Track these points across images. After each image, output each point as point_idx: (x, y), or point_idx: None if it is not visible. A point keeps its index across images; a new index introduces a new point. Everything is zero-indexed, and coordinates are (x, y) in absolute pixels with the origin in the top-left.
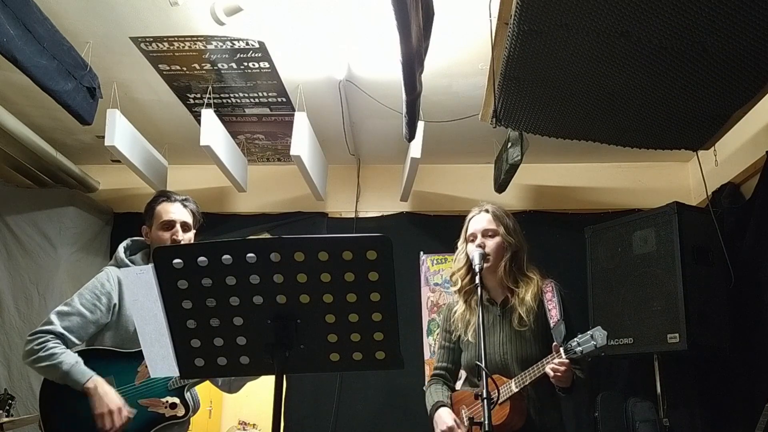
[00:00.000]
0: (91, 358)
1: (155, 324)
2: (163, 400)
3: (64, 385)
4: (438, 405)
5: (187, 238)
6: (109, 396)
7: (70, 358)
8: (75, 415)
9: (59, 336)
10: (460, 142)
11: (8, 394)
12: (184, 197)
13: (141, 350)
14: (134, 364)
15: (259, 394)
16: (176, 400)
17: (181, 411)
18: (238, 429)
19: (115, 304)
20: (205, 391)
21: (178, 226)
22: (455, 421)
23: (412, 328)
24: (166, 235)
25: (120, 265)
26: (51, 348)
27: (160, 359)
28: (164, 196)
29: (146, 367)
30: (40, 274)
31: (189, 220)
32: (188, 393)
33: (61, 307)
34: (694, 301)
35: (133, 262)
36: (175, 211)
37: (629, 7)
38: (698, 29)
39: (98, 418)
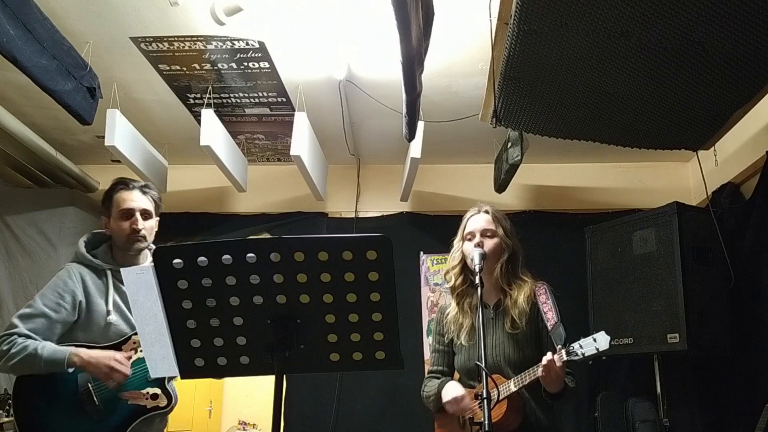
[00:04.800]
0: None
1: (155, 324)
2: (144, 391)
3: (35, 386)
4: (443, 382)
5: (149, 226)
6: (99, 357)
7: (42, 344)
8: (51, 415)
9: (25, 336)
10: (460, 142)
11: (8, 394)
12: (143, 183)
13: (116, 343)
14: None
15: (259, 394)
16: (157, 390)
17: (163, 401)
18: (238, 429)
19: (80, 302)
20: (205, 391)
21: (137, 214)
22: (465, 391)
23: (412, 328)
24: (126, 224)
25: (81, 260)
26: (20, 343)
27: (160, 359)
28: (122, 183)
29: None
30: (40, 274)
31: (150, 207)
32: (169, 384)
33: (24, 310)
34: (694, 301)
35: (95, 257)
36: (135, 199)
37: (629, 7)
38: (698, 29)
39: (104, 380)
